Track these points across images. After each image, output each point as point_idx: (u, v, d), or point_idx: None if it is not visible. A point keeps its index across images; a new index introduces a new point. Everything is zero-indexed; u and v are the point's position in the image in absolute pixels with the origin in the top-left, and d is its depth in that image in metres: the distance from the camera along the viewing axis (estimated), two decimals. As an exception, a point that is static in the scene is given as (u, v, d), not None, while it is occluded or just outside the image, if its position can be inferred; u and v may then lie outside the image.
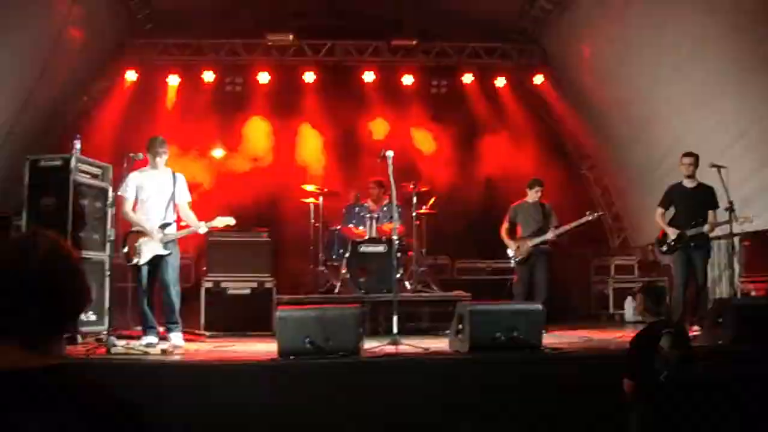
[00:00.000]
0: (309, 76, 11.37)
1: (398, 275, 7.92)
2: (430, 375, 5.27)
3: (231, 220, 6.55)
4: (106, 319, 6.55)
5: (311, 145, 11.39)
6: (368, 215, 8.94)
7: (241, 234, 8.24)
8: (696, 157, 7.39)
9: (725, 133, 8.66)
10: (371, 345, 5.76)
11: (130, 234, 6.43)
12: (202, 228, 6.54)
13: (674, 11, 8.57)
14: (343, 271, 8.54)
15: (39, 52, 8.56)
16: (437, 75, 11.85)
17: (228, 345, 6.79)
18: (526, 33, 11.46)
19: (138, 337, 6.45)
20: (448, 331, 6.24)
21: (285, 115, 11.33)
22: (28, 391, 1.33)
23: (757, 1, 7.65)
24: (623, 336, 6.86)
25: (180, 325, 6.52)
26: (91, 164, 7.24)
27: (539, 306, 5.97)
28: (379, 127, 11.56)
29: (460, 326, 5.66)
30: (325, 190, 9.49)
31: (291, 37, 11.07)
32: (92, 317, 6.79)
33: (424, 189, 9.24)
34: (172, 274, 6.40)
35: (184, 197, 6.66)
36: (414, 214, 8.97)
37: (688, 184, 7.48)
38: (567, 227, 8.19)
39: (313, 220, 9.49)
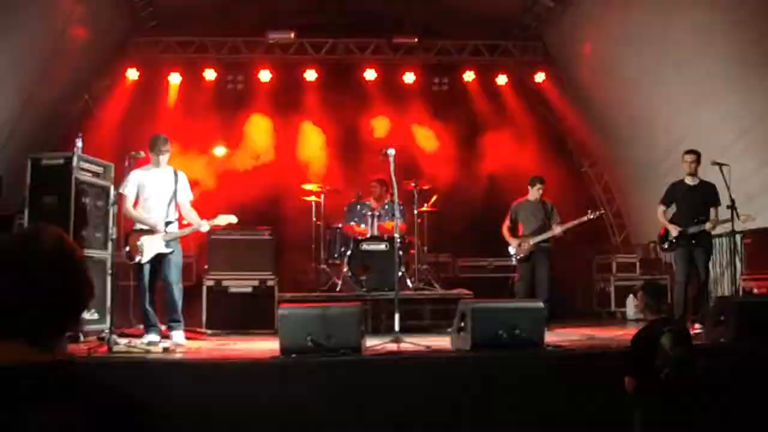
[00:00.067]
0: (310, 74, 11.38)
1: (400, 273, 7.92)
2: (431, 373, 5.27)
3: (233, 219, 6.55)
4: (108, 318, 6.55)
5: (313, 143, 11.40)
6: (370, 213, 8.94)
7: (243, 232, 8.24)
8: (698, 154, 7.38)
9: (727, 130, 8.65)
10: (373, 343, 5.76)
11: (132, 232, 6.43)
12: (204, 226, 6.55)
13: (676, 8, 8.56)
14: (345, 269, 8.54)
15: (41, 50, 8.57)
16: (439, 72, 11.85)
17: (230, 343, 6.79)
18: (528, 30, 11.45)
19: (140, 336, 6.46)
20: (450, 329, 6.24)
21: (286, 113, 11.34)
22: (34, 387, 1.33)
23: (759, -2, 7.65)
24: (625, 334, 6.85)
25: (182, 323, 6.53)
26: (92, 162, 7.24)
27: (541, 304, 5.97)
28: (380, 125, 11.57)
29: (462, 324, 5.65)
30: (327, 188, 9.50)
31: (292, 35, 11.07)
32: (94, 316, 6.80)
33: (425, 187, 9.25)
34: (174, 272, 6.40)
35: (185, 195, 6.66)
36: (416, 212, 8.98)
37: (690, 181, 7.47)
38: (568, 225, 8.19)
39: (314, 218, 9.50)
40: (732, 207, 6.95)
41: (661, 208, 7.62)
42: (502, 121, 11.73)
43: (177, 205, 6.58)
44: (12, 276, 1.41)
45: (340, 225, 9.13)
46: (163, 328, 6.52)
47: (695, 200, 7.39)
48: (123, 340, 6.00)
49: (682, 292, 7.24)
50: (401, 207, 8.15)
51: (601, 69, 10.60)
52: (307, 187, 9.50)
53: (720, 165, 7.02)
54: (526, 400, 5.04)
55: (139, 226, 6.43)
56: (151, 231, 6.38)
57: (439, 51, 11.67)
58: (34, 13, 8.07)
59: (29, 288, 1.41)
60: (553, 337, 6.52)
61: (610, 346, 6.27)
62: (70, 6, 8.60)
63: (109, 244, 6.73)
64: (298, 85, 11.41)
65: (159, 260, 6.38)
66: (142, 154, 6.40)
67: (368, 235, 8.71)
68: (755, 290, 8.15)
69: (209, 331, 7.71)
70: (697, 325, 6.80)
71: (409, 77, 11.53)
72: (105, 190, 7.30)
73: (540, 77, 11.73)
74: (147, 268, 6.37)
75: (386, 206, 9.01)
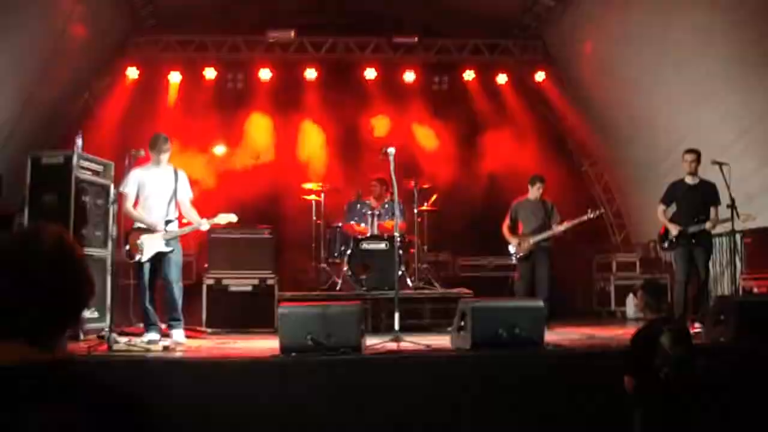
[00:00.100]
0: (310, 73, 11.38)
1: (400, 272, 7.92)
2: (431, 372, 5.27)
3: (233, 217, 6.55)
4: (108, 316, 6.55)
5: (313, 142, 11.40)
6: (370, 212, 8.94)
7: (243, 231, 8.24)
8: (698, 153, 7.38)
9: (727, 130, 8.65)
10: (373, 342, 5.76)
11: (132, 231, 6.43)
12: (204, 225, 6.55)
13: (676, 8, 8.55)
14: (345, 268, 8.55)
15: (41, 50, 8.57)
16: (439, 72, 11.84)
17: (230, 342, 6.80)
18: (528, 29, 11.44)
19: (140, 334, 6.47)
20: (449, 328, 6.24)
21: (286, 112, 11.34)
22: (34, 387, 1.33)
23: (760, -2, 7.65)
24: (625, 333, 6.85)
25: (182, 322, 6.53)
26: (92, 161, 7.25)
27: (541, 303, 5.97)
28: (380, 124, 11.58)
29: (462, 323, 5.66)
30: (327, 187, 9.49)
31: (292, 33, 11.06)
32: (94, 314, 6.80)
33: (425, 186, 9.25)
34: (174, 271, 6.41)
35: (186, 194, 6.66)
36: (416, 211, 8.98)
37: (690, 180, 7.47)
38: (568, 224, 8.19)
39: (314, 217, 9.50)
40: (732, 206, 6.95)
41: (661, 207, 7.62)
42: (502, 121, 11.73)
43: (177, 204, 6.58)
44: (12, 275, 1.40)
45: (340, 224, 9.13)
46: (163, 326, 6.52)
47: (695, 199, 7.39)
48: (123, 339, 6.01)
49: (682, 292, 7.24)
50: (401, 206, 8.16)
51: (601, 69, 10.60)
52: (307, 185, 9.51)
53: (720, 164, 7.02)
54: (525, 400, 5.04)
55: (138, 224, 6.43)
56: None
57: (439, 50, 11.66)
58: (34, 12, 8.06)
59: (29, 287, 1.40)
60: (553, 336, 6.53)
61: (609, 346, 6.27)
62: (70, 5, 8.59)
63: (109, 243, 6.74)
64: (298, 84, 11.40)
65: (159, 259, 6.38)
66: (142, 152, 6.40)
67: (368, 234, 8.71)
68: (755, 289, 8.15)
69: (209, 330, 7.72)
70: (696, 325, 6.79)
71: (409, 76, 11.52)
72: (105, 189, 7.31)
73: (540, 76, 11.72)
74: (147, 267, 6.37)
75: (386, 205, 9.01)
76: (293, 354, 5.19)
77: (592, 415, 4.88)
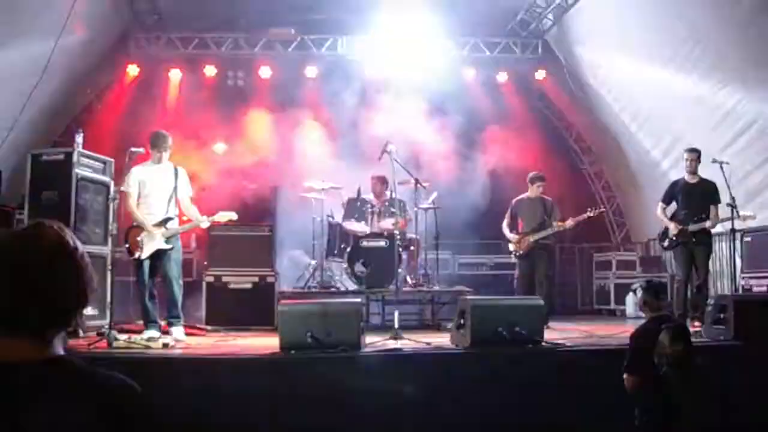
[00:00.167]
0: (311, 71, 11.35)
1: (400, 270, 7.92)
2: (431, 370, 5.28)
3: (233, 215, 6.56)
4: (108, 313, 6.55)
5: (313, 139, 11.37)
6: (370, 210, 8.93)
7: (243, 228, 8.24)
8: (698, 152, 7.38)
9: (728, 129, 8.64)
10: (373, 339, 5.77)
11: (132, 228, 6.43)
12: (204, 222, 6.56)
13: (677, 6, 8.54)
14: (345, 266, 8.54)
15: (42, 47, 8.56)
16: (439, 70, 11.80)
17: (229, 339, 6.80)
18: (529, 28, 11.43)
19: (140, 331, 6.46)
20: (449, 326, 6.25)
21: (287, 110, 11.32)
22: (35, 384, 1.33)
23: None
24: (624, 331, 6.85)
25: (182, 319, 6.54)
26: (93, 158, 7.24)
27: (540, 301, 5.98)
28: (381, 122, 11.54)
29: (462, 321, 5.66)
30: (327, 184, 9.48)
31: (293, 31, 11.04)
32: (94, 311, 6.80)
33: (426, 184, 9.24)
34: (174, 268, 6.41)
35: (186, 192, 6.66)
36: (416, 208, 8.97)
37: (690, 179, 7.47)
38: (573, 222, 8.18)
39: (314, 215, 9.49)
40: (732, 205, 6.95)
41: (662, 205, 7.62)
42: (502, 119, 11.71)
43: (177, 202, 6.58)
44: (12, 272, 1.41)
45: (340, 221, 9.12)
46: (163, 323, 6.52)
47: (695, 198, 7.39)
48: (123, 336, 6.01)
49: (682, 290, 7.24)
50: (401, 203, 8.16)
51: (602, 67, 10.59)
52: (307, 183, 9.49)
53: (720, 163, 7.02)
54: (525, 397, 5.05)
55: (138, 222, 6.42)
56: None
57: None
58: (36, 10, 8.06)
59: (29, 284, 1.40)
60: (553, 334, 6.54)
61: (609, 344, 6.27)
62: (70, 3, 8.58)
63: (109, 240, 6.74)
64: (298, 81, 11.39)
65: (159, 256, 6.38)
66: (142, 150, 6.40)
67: (368, 232, 8.71)
68: (755, 288, 8.15)
69: (209, 327, 7.70)
70: (696, 323, 6.80)
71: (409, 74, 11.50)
72: (105, 186, 7.31)
73: (541, 75, 11.71)
74: (147, 264, 6.38)
75: (386, 203, 9.00)
76: (293, 351, 5.20)
77: (592, 414, 4.88)
